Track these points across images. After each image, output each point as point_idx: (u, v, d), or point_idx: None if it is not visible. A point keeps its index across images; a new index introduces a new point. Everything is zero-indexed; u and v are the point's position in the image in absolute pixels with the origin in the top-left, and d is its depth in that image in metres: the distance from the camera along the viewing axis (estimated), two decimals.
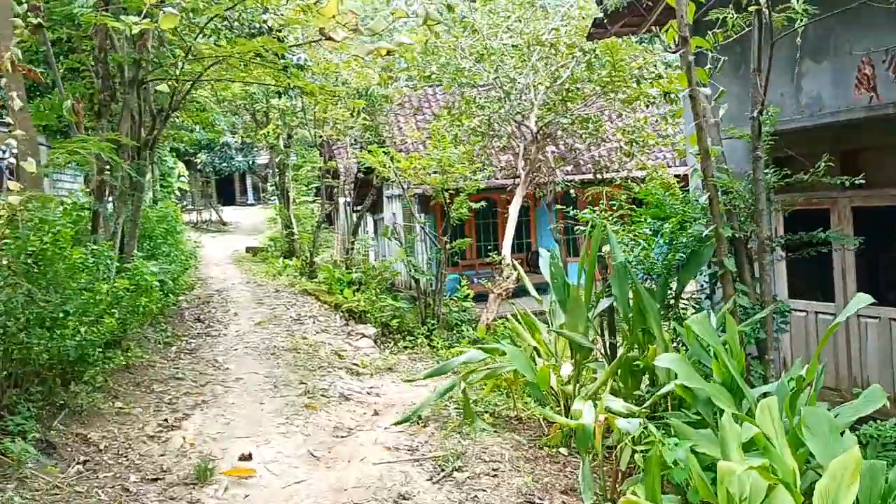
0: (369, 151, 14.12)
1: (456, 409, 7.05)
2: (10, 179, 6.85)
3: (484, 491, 5.08)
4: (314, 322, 12.49)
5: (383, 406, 7.64)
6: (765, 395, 4.50)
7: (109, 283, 7.36)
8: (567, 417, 6.15)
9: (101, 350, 7.16)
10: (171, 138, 18.36)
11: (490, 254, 14.45)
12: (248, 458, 5.92)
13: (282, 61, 10.18)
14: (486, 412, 6.96)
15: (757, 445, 3.47)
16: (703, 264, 6.14)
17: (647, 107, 14.54)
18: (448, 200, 13.35)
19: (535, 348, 7.38)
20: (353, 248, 19.50)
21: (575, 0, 14.27)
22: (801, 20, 5.39)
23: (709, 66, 5.64)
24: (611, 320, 7.46)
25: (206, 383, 8.30)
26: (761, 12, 5.36)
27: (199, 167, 38.01)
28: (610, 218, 7.21)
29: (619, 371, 6.04)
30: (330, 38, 4.37)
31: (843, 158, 6.49)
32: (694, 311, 6.50)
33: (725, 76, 6.51)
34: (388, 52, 4.43)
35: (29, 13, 5.39)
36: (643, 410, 5.15)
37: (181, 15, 6.78)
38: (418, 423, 6.68)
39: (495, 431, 6.36)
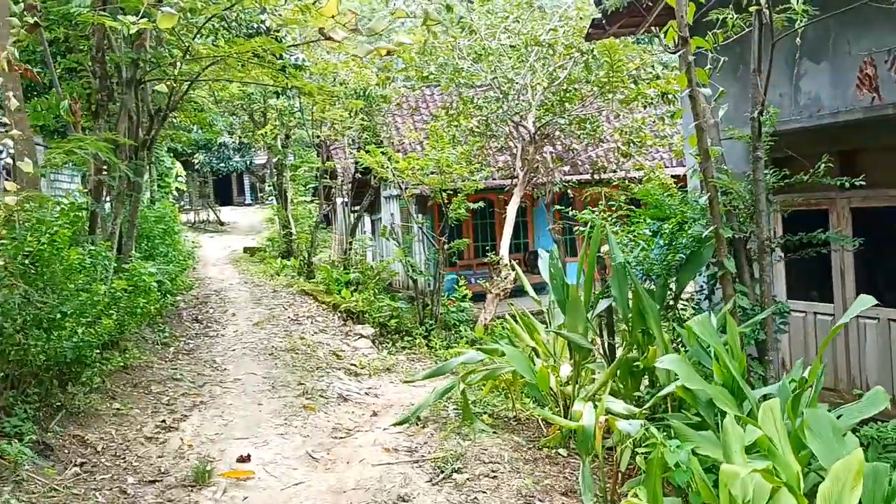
0: (367, 152, 14.09)
1: (455, 409, 7.03)
2: (6, 180, 6.81)
3: (484, 493, 5.06)
4: (312, 322, 12.47)
5: (382, 407, 7.62)
6: (765, 396, 4.49)
7: (107, 283, 7.33)
8: (566, 418, 6.13)
9: (98, 351, 7.14)
10: (168, 138, 18.32)
11: (488, 254, 14.44)
12: (247, 459, 5.90)
13: (280, 61, 10.16)
14: (485, 413, 6.94)
15: (759, 448, 3.45)
16: (703, 265, 6.12)
17: (645, 107, 14.53)
18: (446, 201, 13.33)
19: (533, 349, 7.36)
20: (350, 249, 19.47)
21: (573, 1, 14.27)
22: (801, 21, 5.38)
23: (709, 66, 5.62)
24: (609, 321, 7.45)
25: (204, 384, 8.27)
26: (762, 12, 5.35)
27: (196, 167, 37.95)
28: (609, 218, 7.19)
29: (619, 372, 6.03)
30: (329, 38, 4.34)
31: (841, 159, 6.48)
32: (693, 311, 6.50)
33: (723, 77, 6.49)
34: (388, 53, 4.41)
35: (26, 12, 5.36)
36: (643, 412, 5.13)
37: (179, 15, 6.74)
38: (417, 424, 6.66)
39: (494, 432, 6.34)
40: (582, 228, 7.51)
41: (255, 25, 12.29)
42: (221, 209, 39.09)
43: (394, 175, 13.63)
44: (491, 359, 7.14)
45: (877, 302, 4.33)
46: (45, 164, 8.12)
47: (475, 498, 5.02)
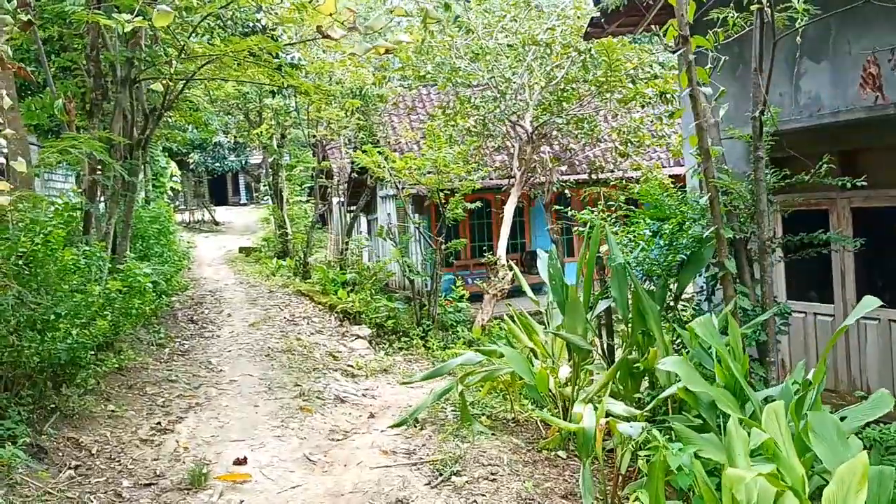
0: (364, 151, 14.04)
1: (453, 411, 6.97)
2: (0, 179, 6.74)
3: (483, 496, 5.01)
4: (308, 323, 12.41)
5: (379, 408, 7.57)
6: (767, 398, 4.45)
7: (101, 284, 7.26)
8: (566, 420, 6.08)
9: (93, 352, 7.08)
10: (163, 138, 18.25)
11: (485, 254, 14.39)
12: (243, 462, 5.83)
13: (276, 60, 10.10)
14: (484, 415, 6.88)
15: (763, 451, 3.41)
16: (703, 266, 6.09)
17: (643, 107, 14.51)
18: (443, 201, 13.29)
19: (531, 350, 7.32)
20: (347, 249, 19.41)
21: (571, 0, 14.23)
22: (802, 20, 5.34)
23: (709, 65, 5.58)
24: (608, 322, 7.42)
25: (200, 385, 8.21)
26: (763, 11, 5.31)
27: (191, 167, 37.86)
28: (608, 218, 7.15)
29: (619, 373, 5.98)
30: (327, 37, 4.28)
31: (842, 159, 6.45)
32: (693, 312, 6.46)
33: (723, 76, 6.46)
34: (387, 51, 4.36)
35: (19, 10, 5.30)
36: (644, 414, 5.09)
37: (174, 13, 6.69)
38: (415, 426, 6.60)
39: (493, 434, 6.28)
40: (581, 228, 7.47)
41: (251, 24, 12.24)
42: (216, 209, 39.03)
43: (390, 175, 13.58)
44: (489, 360, 7.09)
45: (882, 303, 4.28)
46: (39, 164, 8.05)
47: (475, 501, 4.96)
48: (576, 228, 7.89)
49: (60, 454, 5.61)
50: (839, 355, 7.00)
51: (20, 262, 5.84)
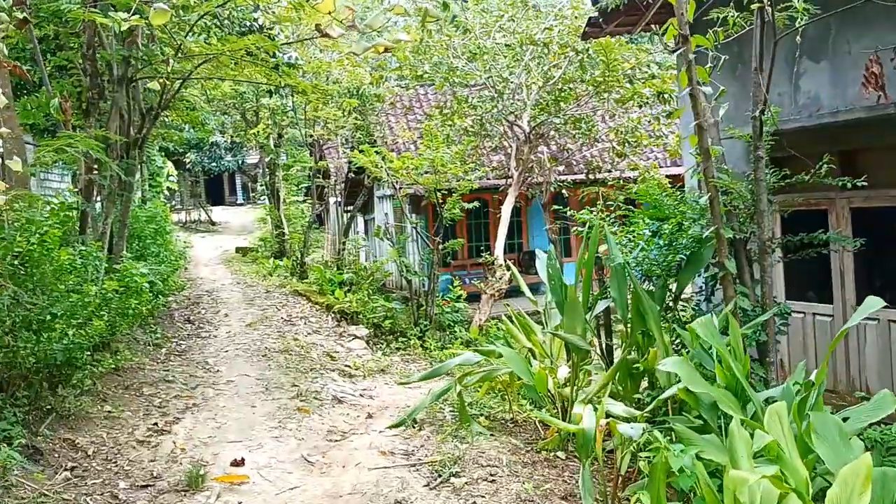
0: (361, 151, 14.00)
1: (451, 412, 6.95)
2: None
3: (483, 497, 4.99)
4: (305, 323, 12.37)
5: (377, 409, 7.54)
6: (768, 399, 4.43)
7: (98, 284, 7.23)
8: (565, 420, 6.06)
9: (89, 353, 7.04)
10: (160, 137, 18.17)
11: (482, 254, 14.35)
12: (241, 463, 5.80)
13: (273, 60, 10.06)
14: (482, 415, 6.86)
15: (766, 453, 3.39)
16: (703, 266, 6.06)
17: (641, 107, 14.49)
18: (440, 201, 13.25)
19: (530, 350, 7.29)
20: (344, 249, 19.36)
21: (568, 0, 14.21)
22: (802, 19, 5.32)
23: (709, 65, 5.56)
24: (607, 322, 7.39)
25: (197, 386, 8.17)
26: (763, 10, 5.29)
27: (188, 167, 37.75)
28: (607, 218, 7.13)
29: (618, 374, 5.96)
30: (326, 35, 4.25)
31: (841, 159, 6.43)
32: (693, 313, 6.44)
33: (722, 76, 6.44)
34: (386, 50, 4.32)
35: (14, 8, 5.26)
36: (644, 415, 5.07)
37: (171, 12, 6.65)
38: (413, 427, 6.57)
39: (492, 435, 6.26)
40: (579, 228, 7.45)
41: (248, 23, 12.19)
42: (213, 209, 38.92)
43: (388, 175, 13.53)
44: (488, 360, 7.07)
45: (885, 304, 4.26)
46: (35, 163, 8.00)
47: (474, 502, 4.94)
48: (575, 228, 7.87)
49: (56, 455, 5.58)
50: (838, 355, 6.99)
51: (16, 262, 5.81)
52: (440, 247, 13.26)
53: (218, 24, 10.97)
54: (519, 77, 13.95)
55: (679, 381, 4.45)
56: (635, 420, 4.94)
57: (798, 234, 6.10)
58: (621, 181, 13.71)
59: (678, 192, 6.91)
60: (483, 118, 14.49)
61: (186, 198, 38.94)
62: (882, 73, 5.34)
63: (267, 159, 23.51)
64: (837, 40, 6.41)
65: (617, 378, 5.98)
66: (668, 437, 4.27)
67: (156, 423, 6.69)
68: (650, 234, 6.41)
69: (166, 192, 28.02)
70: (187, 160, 36.61)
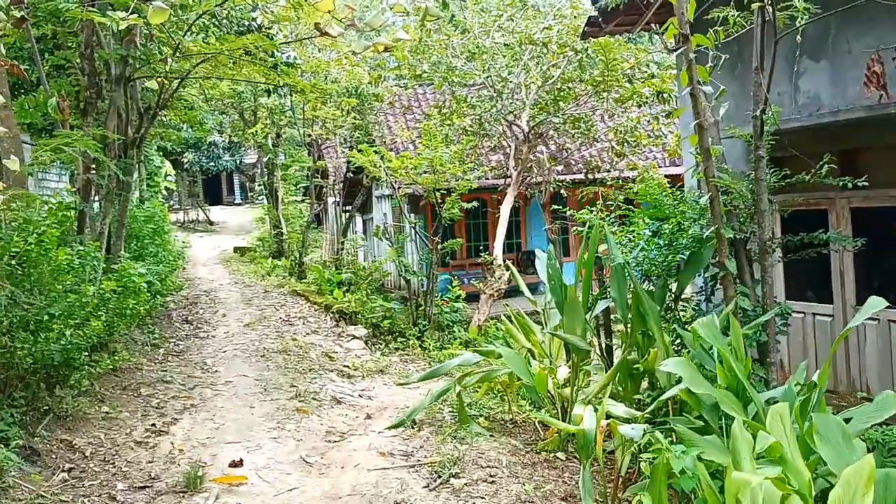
0: (359, 151, 13.98)
1: (450, 412, 6.93)
2: None
3: (482, 498, 4.97)
4: (304, 323, 12.34)
5: (376, 409, 7.51)
6: (769, 400, 4.42)
7: (96, 284, 7.20)
8: (565, 421, 6.05)
9: (87, 353, 7.01)
10: (158, 137, 18.14)
11: (481, 254, 14.33)
12: (239, 464, 5.77)
13: (272, 59, 10.03)
14: (481, 416, 6.84)
15: (769, 455, 3.36)
16: (703, 266, 6.04)
17: (640, 107, 14.47)
18: (439, 200, 13.23)
19: (529, 350, 7.28)
20: (342, 249, 19.33)
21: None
22: (802, 18, 5.31)
23: (710, 64, 5.54)
24: (606, 322, 7.37)
25: (195, 386, 8.14)
26: (764, 9, 5.27)
27: (186, 166, 37.70)
28: (607, 218, 7.11)
29: (618, 374, 5.94)
30: (325, 34, 4.23)
31: (841, 158, 6.42)
32: (693, 313, 6.42)
33: (722, 75, 6.42)
34: (386, 49, 4.30)
35: (12, 6, 5.23)
36: (644, 415, 5.05)
37: (170, 10, 6.62)
38: (412, 428, 6.55)
39: (491, 436, 6.24)
40: (578, 228, 7.43)
41: (247, 23, 12.15)
42: (211, 209, 38.87)
43: (386, 174, 13.51)
44: (487, 361, 7.05)
45: (888, 304, 4.24)
46: (33, 163, 7.98)
47: None
48: (574, 228, 7.85)
49: (54, 456, 5.55)
50: (839, 356, 6.97)
51: (13, 262, 5.78)
52: (439, 246, 13.23)
53: (216, 23, 10.94)
54: (518, 77, 13.94)
55: (680, 381, 4.43)
56: (636, 421, 4.93)
57: (798, 233, 6.09)
58: (620, 181, 13.72)
59: (678, 192, 6.89)
60: (482, 118, 14.47)
61: (184, 197, 38.90)
62: (884, 72, 5.32)
63: (265, 159, 23.48)
64: (837, 39, 6.39)
65: (617, 379, 5.96)
66: (669, 438, 4.25)
67: (154, 424, 6.66)
68: (650, 234, 6.39)
69: (164, 192, 28.00)
70: (185, 160, 36.57)
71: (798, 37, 5.72)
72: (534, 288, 8.38)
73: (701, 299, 6.66)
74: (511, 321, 7.72)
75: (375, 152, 13.54)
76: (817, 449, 3.45)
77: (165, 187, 27.86)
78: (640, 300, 5.70)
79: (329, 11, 4.21)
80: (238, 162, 39.84)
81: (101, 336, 7.27)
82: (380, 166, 13.45)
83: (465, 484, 5.20)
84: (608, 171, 15.99)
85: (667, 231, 6.15)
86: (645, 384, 5.98)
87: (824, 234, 5.94)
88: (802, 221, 6.57)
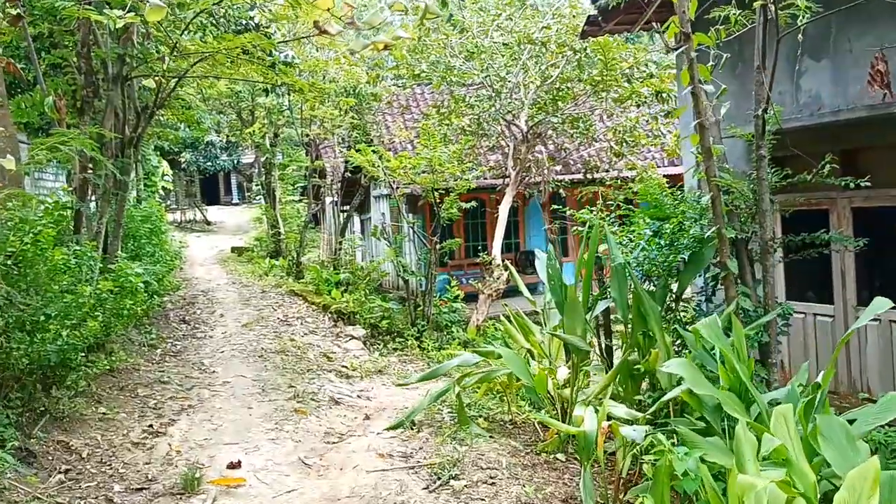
0: (358, 150, 13.94)
1: (449, 413, 6.89)
2: None
3: (482, 500, 4.93)
4: (302, 323, 12.29)
5: (374, 410, 7.47)
6: (772, 401, 4.39)
7: (92, 284, 7.14)
8: (565, 422, 6.01)
9: (83, 354, 6.96)
10: (155, 136, 18.08)
11: (480, 254, 14.30)
12: (237, 465, 5.73)
13: (270, 58, 9.99)
14: (481, 416, 6.80)
15: (773, 457, 3.33)
16: (704, 266, 6.01)
17: (639, 106, 14.45)
18: (438, 200, 13.20)
19: (528, 350, 7.24)
20: (340, 249, 19.29)
21: None
22: (804, 17, 5.28)
23: (711, 63, 5.51)
24: (606, 322, 7.34)
25: (193, 387, 8.09)
26: (766, 8, 5.24)
27: (183, 166, 37.67)
28: (607, 218, 7.08)
29: (619, 375, 5.91)
30: (325, 32, 4.19)
31: (842, 158, 6.39)
32: (694, 313, 6.39)
33: (722, 75, 6.40)
34: (385, 47, 4.26)
35: (8, 4, 5.18)
36: (645, 417, 5.02)
37: (167, 9, 6.59)
38: (411, 429, 6.51)
39: (491, 437, 6.20)
40: (578, 228, 7.40)
41: (244, 22, 12.12)
42: (208, 208, 38.84)
43: (385, 174, 13.48)
44: (486, 361, 7.01)
45: (893, 304, 4.21)
46: (29, 162, 7.92)
47: None
48: (574, 228, 7.81)
49: (50, 458, 5.50)
50: (839, 356, 6.95)
51: (9, 262, 5.73)
52: (437, 246, 13.20)
53: (214, 22, 10.90)
54: (516, 76, 13.91)
55: (681, 382, 4.40)
56: (637, 422, 4.89)
57: (798, 234, 6.06)
58: (619, 181, 13.70)
59: (678, 192, 6.87)
60: (480, 117, 14.44)
61: (182, 197, 38.82)
62: (888, 70, 5.29)
63: (263, 159, 23.45)
64: (839, 38, 6.37)
65: (618, 379, 5.93)
66: (671, 440, 4.22)
67: (151, 425, 6.62)
68: (651, 234, 6.36)
69: (161, 192, 27.96)
70: (183, 159, 36.53)
71: (799, 36, 5.70)
72: (532, 288, 8.35)
73: (701, 300, 6.63)
74: (510, 321, 7.68)
75: (374, 152, 13.51)
76: (821, 451, 3.42)
77: (163, 187, 27.83)
78: (640, 300, 5.66)
79: (328, 9, 4.18)
80: (235, 162, 39.81)
81: (97, 336, 7.22)
82: (378, 166, 13.41)
83: (465, 486, 5.16)
84: (607, 170, 15.98)
85: (668, 231, 6.12)
86: (645, 385, 5.95)
87: (826, 234, 5.91)
88: (803, 221, 6.55)
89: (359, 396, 8.09)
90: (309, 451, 6.14)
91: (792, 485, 3.13)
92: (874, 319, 6.56)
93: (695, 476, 3.57)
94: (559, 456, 5.90)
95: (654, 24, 8.10)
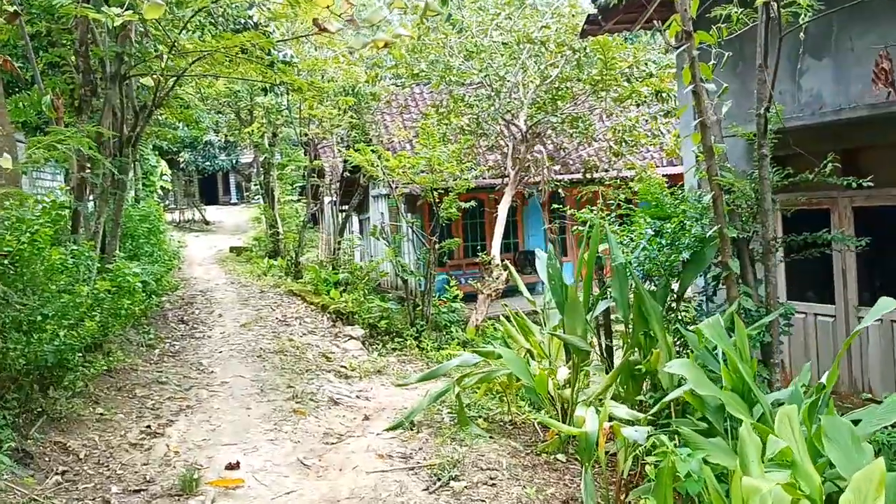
0: (357, 150, 13.90)
1: (449, 414, 6.85)
2: None
3: (483, 502, 4.89)
4: (301, 323, 12.25)
5: (374, 410, 7.43)
6: (775, 402, 4.35)
7: (90, 284, 7.11)
8: (565, 422, 5.98)
9: (81, 354, 6.92)
10: (153, 136, 18.05)
11: (478, 254, 14.27)
12: (236, 466, 5.69)
13: (268, 57, 9.95)
14: (480, 417, 6.76)
15: (778, 459, 3.30)
16: (705, 265, 5.98)
17: (638, 106, 14.43)
18: (437, 200, 13.17)
19: (528, 350, 7.21)
20: (339, 248, 19.25)
21: None
22: (806, 15, 5.25)
23: (712, 61, 5.48)
24: (606, 322, 7.31)
25: (191, 387, 8.05)
26: (769, 6, 5.21)
27: (181, 166, 37.62)
28: (607, 218, 7.05)
29: (620, 375, 5.88)
30: (324, 30, 4.16)
31: (844, 157, 6.36)
32: (696, 313, 6.36)
33: (723, 73, 6.36)
34: (385, 45, 4.23)
35: (5, 1, 5.14)
36: (647, 417, 4.98)
37: (165, 7, 6.56)
38: (411, 429, 6.47)
39: (491, 437, 6.17)
40: (578, 228, 7.36)
41: (243, 21, 12.09)
42: (207, 208, 38.80)
43: (384, 173, 13.45)
44: (486, 361, 6.98)
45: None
46: (27, 161, 7.88)
47: None
48: (574, 228, 7.78)
49: (47, 459, 5.46)
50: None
51: (6, 262, 5.69)
52: (436, 246, 13.17)
53: (212, 21, 10.86)
54: (516, 76, 13.88)
55: (683, 383, 4.37)
56: (639, 423, 4.86)
57: (799, 233, 6.03)
58: (618, 181, 13.68)
59: (678, 192, 6.84)
60: (479, 117, 14.41)
61: (180, 197, 38.78)
62: (892, 69, 5.26)
63: (261, 158, 23.43)
64: (840, 37, 6.34)
65: (619, 380, 5.89)
66: (672, 441, 4.18)
67: (149, 426, 6.57)
68: (652, 233, 6.32)
69: (160, 192, 27.93)
70: (181, 159, 36.50)
71: (801, 34, 5.67)
72: (531, 288, 8.32)
73: (702, 300, 6.60)
74: (510, 321, 7.65)
75: (372, 151, 13.47)
76: (826, 452, 3.39)
77: (161, 186, 27.80)
78: (642, 300, 5.63)
79: (328, 6, 4.15)
80: (234, 161, 39.78)
81: (95, 337, 7.18)
82: (377, 165, 13.38)
83: (465, 487, 5.12)
84: (606, 170, 15.95)
85: (669, 230, 6.09)
86: (646, 385, 5.92)
87: (828, 233, 5.88)
88: (804, 221, 6.52)
89: (358, 397, 8.05)
90: (308, 451, 6.10)
91: (797, 487, 3.10)
92: (876, 319, 6.53)
93: (698, 478, 3.53)
94: (559, 457, 5.86)
95: (655, 22, 8.07)
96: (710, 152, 5.35)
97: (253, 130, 20.68)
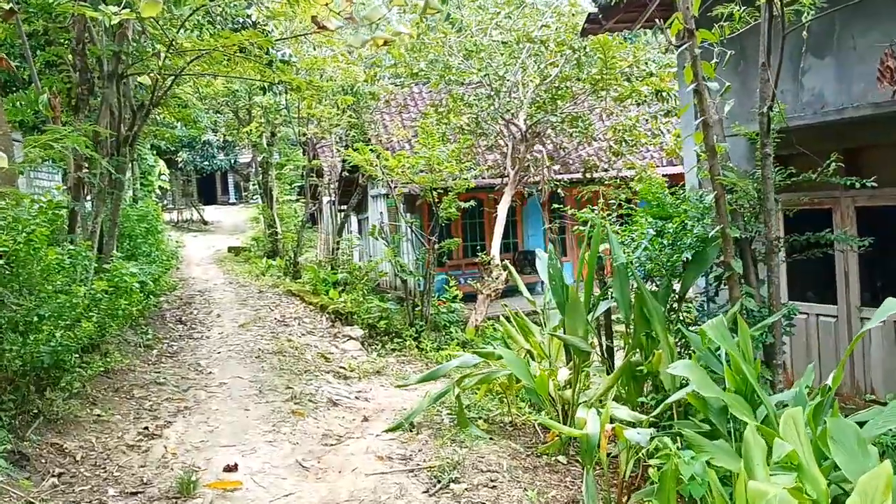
0: (356, 149, 13.86)
1: (449, 415, 6.81)
2: None
3: None
4: (299, 324, 12.21)
5: (373, 412, 7.39)
6: (779, 403, 4.31)
7: (87, 284, 7.06)
8: (566, 424, 5.94)
9: (78, 355, 6.87)
10: (151, 135, 17.98)
11: (478, 254, 14.22)
12: (234, 468, 5.64)
13: (267, 56, 9.90)
14: (480, 418, 6.72)
15: (784, 462, 3.26)
16: (707, 266, 5.93)
17: (639, 105, 14.39)
18: (436, 200, 13.12)
19: (528, 351, 7.16)
20: (338, 248, 19.20)
21: None
22: (809, 13, 5.21)
23: (714, 60, 5.44)
24: (607, 323, 7.26)
25: (189, 388, 8.00)
26: (771, 4, 5.17)
27: (180, 165, 37.56)
28: (608, 217, 7.01)
29: (622, 376, 5.83)
30: (323, 28, 4.12)
31: (846, 156, 6.32)
32: (698, 314, 6.32)
33: (724, 72, 6.32)
34: (385, 43, 4.19)
35: None
36: (649, 419, 4.94)
37: (161, 4, 6.50)
38: (410, 431, 6.43)
39: (491, 439, 6.12)
40: (579, 227, 7.32)
41: (241, 20, 12.03)
42: (205, 208, 38.74)
43: (383, 173, 13.40)
44: (486, 362, 6.93)
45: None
46: (24, 161, 7.83)
47: None
48: (574, 227, 7.74)
49: (44, 461, 5.41)
50: (841, 357, 6.87)
51: (1, 262, 5.65)
52: (436, 246, 13.12)
53: (210, 20, 10.80)
54: (515, 75, 13.83)
55: (685, 384, 4.32)
56: (640, 424, 4.81)
57: (802, 233, 5.98)
58: (618, 180, 13.63)
59: (680, 191, 6.79)
60: (479, 116, 14.37)
61: (178, 197, 38.71)
62: None
63: (260, 158, 23.37)
64: (843, 36, 6.30)
65: (620, 381, 5.85)
66: (676, 443, 4.14)
67: (146, 427, 6.53)
68: (654, 233, 6.28)
69: (158, 191, 27.84)
70: (179, 159, 36.44)
71: (804, 33, 5.63)
72: (531, 288, 8.28)
73: (703, 300, 6.55)
74: (510, 322, 7.60)
75: (371, 151, 13.43)
76: (832, 455, 3.34)
77: (159, 186, 27.71)
78: (644, 301, 5.59)
79: (326, 4, 4.10)
80: (232, 161, 39.73)
81: (92, 337, 7.13)
82: (376, 165, 13.33)
83: (466, 489, 5.07)
84: (606, 170, 15.91)
85: (671, 230, 6.05)
86: (648, 387, 5.87)
87: (831, 233, 5.84)
88: (806, 221, 6.48)
89: (357, 398, 8.00)
90: (307, 453, 6.06)
91: (803, 491, 3.06)
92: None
93: (702, 480, 3.49)
94: (560, 459, 5.82)
95: (655, 20, 8.02)
96: (713, 151, 5.31)
97: (251, 130, 20.62)
